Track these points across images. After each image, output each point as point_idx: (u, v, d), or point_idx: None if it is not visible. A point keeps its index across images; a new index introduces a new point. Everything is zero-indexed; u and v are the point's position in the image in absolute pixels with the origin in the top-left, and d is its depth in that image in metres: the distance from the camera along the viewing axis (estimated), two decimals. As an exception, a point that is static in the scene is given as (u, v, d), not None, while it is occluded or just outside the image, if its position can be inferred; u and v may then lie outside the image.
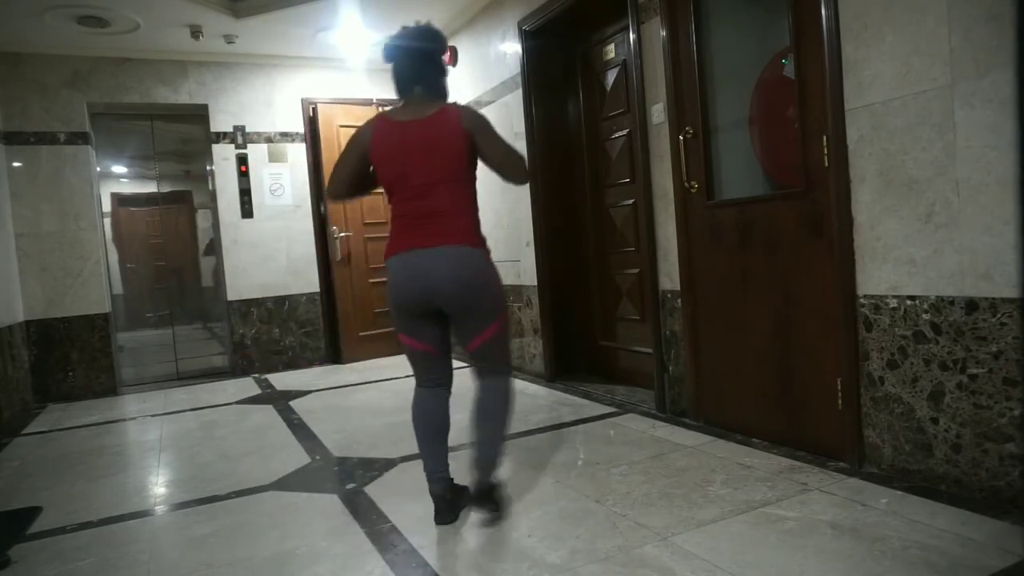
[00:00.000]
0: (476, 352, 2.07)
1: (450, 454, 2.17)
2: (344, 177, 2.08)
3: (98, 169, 5.03)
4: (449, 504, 2.10)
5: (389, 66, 2.13)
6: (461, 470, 2.28)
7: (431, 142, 1.96)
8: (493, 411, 2.08)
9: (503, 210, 4.34)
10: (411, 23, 2.15)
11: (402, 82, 2.09)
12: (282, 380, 4.95)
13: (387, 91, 5.67)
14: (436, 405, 2.12)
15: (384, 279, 5.57)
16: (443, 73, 2.11)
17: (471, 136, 1.99)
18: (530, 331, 4.26)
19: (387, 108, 2.10)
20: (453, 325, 2.08)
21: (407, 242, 1.99)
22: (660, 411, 3.18)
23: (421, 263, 1.96)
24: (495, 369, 2.09)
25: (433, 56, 2.10)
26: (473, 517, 2.13)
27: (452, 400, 2.18)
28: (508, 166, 2.06)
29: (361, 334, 5.55)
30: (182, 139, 5.83)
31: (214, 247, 5.51)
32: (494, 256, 2.11)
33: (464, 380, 2.33)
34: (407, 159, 1.97)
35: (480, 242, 2.03)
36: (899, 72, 2.04)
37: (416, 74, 2.06)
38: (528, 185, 4.04)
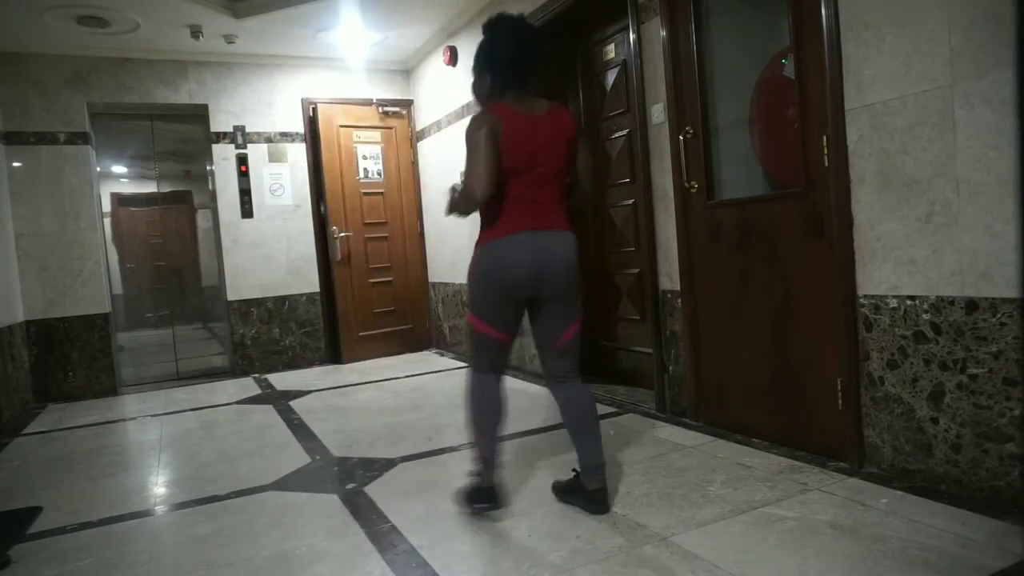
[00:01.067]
0: (566, 346, 2.15)
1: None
2: (487, 168, 1.94)
3: (98, 169, 5.03)
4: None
5: (488, 48, 2.08)
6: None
7: (556, 136, 2.04)
8: (593, 415, 2.15)
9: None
10: (513, 12, 2.14)
11: (520, 72, 2.08)
12: (282, 380, 4.95)
13: (387, 91, 5.70)
14: (499, 395, 2.17)
15: (384, 279, 5.62)
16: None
17: (577, 140, 2.11)
18: (530, 331, 4.25)
19: (506, 100, 2.07)
20: (545, 317, 2.13)
21: (532, 223, 2.02)
22: (660, 411, 3.18)
23: (546, 242, 2.03)
24: (575, 369, 2.18)
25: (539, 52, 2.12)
26: (473, 517, 2.13)
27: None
28: (588, 179, 2.17)
29: (361, 334, 5.55)
30: (182, 139, 5.83)
31: (216, 248, 5.51)
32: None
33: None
34: (538, 148, 2.01)
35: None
36: (899, 72, 2.04)
37: (532, 67, 2.10)
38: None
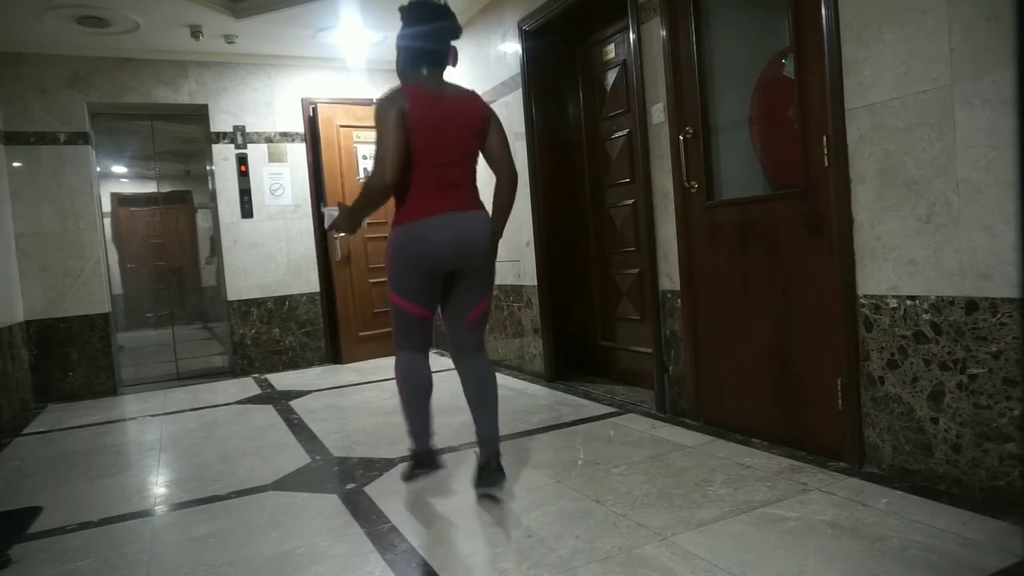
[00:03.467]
0: (474, 322, 2.25)
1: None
2: (395, 152, 1.97)
3: (98, 169, 5.03)
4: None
5: (407, 34, 2.14)
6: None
7: (466, 118, 2.11)
8: (494, 389, 2.29)
9: (503, 210, 4.34)
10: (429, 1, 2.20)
11: (437, 57, 2.14)
12: (282, 380, 4.95)
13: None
14: (428, 369, 2.28)
15: (384, 279, 5.61)
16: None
17: (488, 124, 2.17)
18: (530, 331, 4.26)
19: (418, 80, 2.10)
20: (458, 293, 2.22)
21: (445, 205, 2.09)
22: (660, 411, 3.18)
23: (461, 223, 2.10)
24: (481, 345, 2.30)
25: (456, 37, 2.18)
26: (473, 517, 2.13)
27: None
28: (505, 159, 2.22)
29: (361, 334, 5.55)
30: (182, 139, 5.83)
31: (215, 249, 5.51)
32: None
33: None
34: (446, 129, 2.07)
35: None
36: (899, 72, 2.04)
37: (445, 51, 2.15)
38: (528, 185, 4.06)
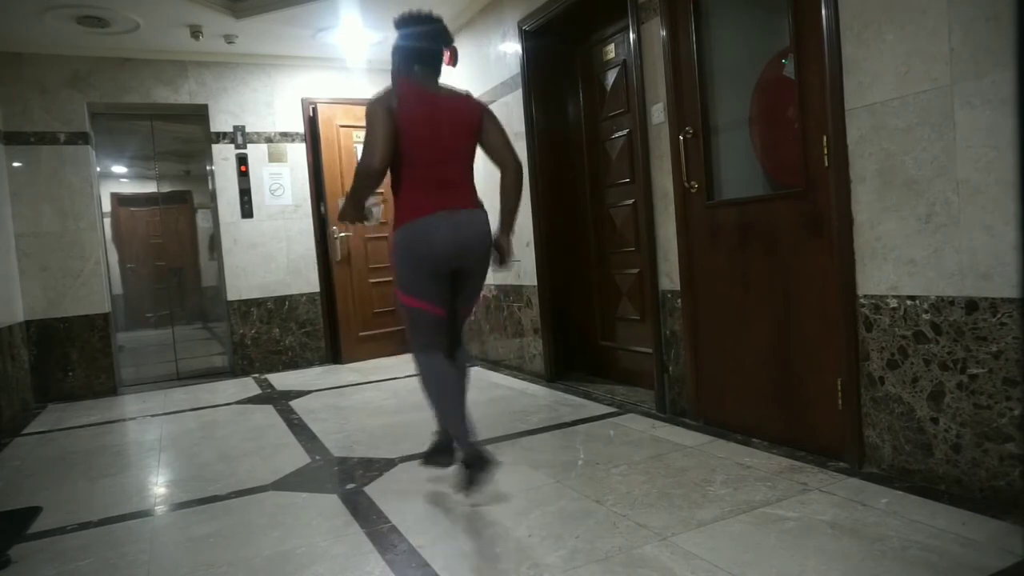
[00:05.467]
0: (463, 317, 2.32)
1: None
2: (383, 138, 2.03)
3: (98, 169, 5.03)
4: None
5: (401, 40, 2.22)
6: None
7: (459, 115, 2.14)
8: (466, 384, 2.32)
9: (503, 210, 4.34)
10: (418, 9, 2.28)
11: (426, 57, 2.20)
12: (282, 380, 4.95)
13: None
14: (453, 367, 2.25)
15: (384, 279, 5.62)
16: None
17: (483, 120, 2.19)
18: (530, 331, 4.26)
19: (411, 77, 2.16)
20: (462, 292, 2.24)
21: (442, 203, 2.11)
22: (660, 411, 3.18)
23: (462, 220, 2.12)
24: (461, 340, 2.34)
25: (447, 42, 2.25)
26: (473, 517, 2.13)
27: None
28: (508, 153, 2.23)
29: (361, 334, 5.55)
30: (182, 139, 5.83)
31: (215, 248, 5.51)
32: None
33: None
34: (439, 125, 2.10)
35: None
36: (899, 72, 2.04)
37: (439, 54, 2.21)
38: (528, 185, 4.06)
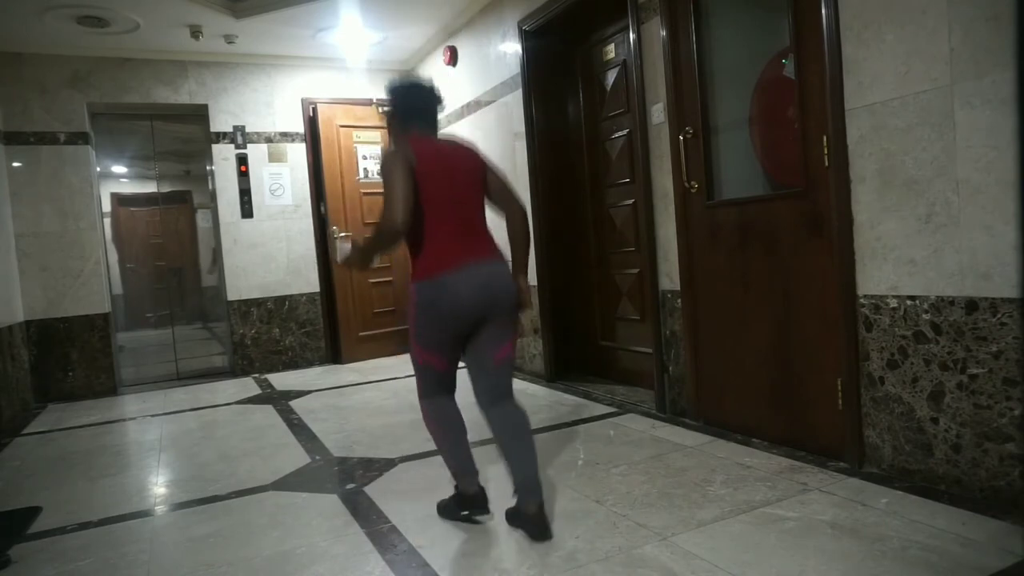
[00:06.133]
0: (503, 362, 2.11)
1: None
2: (405, 195, 1.95)
3: (98, 169, 5.03)
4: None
5: (405, 101, 2.21)
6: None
7: (468, 166, 2.12)
8: (530, 431, 2.13)
9: (503, 210, 4.34)
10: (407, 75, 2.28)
11: (427, 115, 2.19)
12: (282, 380, 4.95)
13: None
14: (457, 410, 2.17)
15: (384, 279, 5.62)
16: None
17: (485, 168, 2.16)
18: (530, 331, 4.26)
19: (416, 133, 2.18)
20: (483, 338, 2.09)
21: (468, 255, 2.03)
22: (660, 411, 3.18)
23: (488, 273, 2.04)
24: (511, 391, 2.15)
25: (440, 103, 2.26)
26: (472, 517, 2.13)
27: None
28: (512, 198, 2.18)
29: (361, 334, 5.55)
30: (182, 139, 5.83)
31: (217, 251, 5.52)
32: None
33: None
34: (454, 178, 2.06)
35: None
36: (899, 72, 2.04)
37: (435, 110, 2.22)
38: (528, 185, 4.06)
